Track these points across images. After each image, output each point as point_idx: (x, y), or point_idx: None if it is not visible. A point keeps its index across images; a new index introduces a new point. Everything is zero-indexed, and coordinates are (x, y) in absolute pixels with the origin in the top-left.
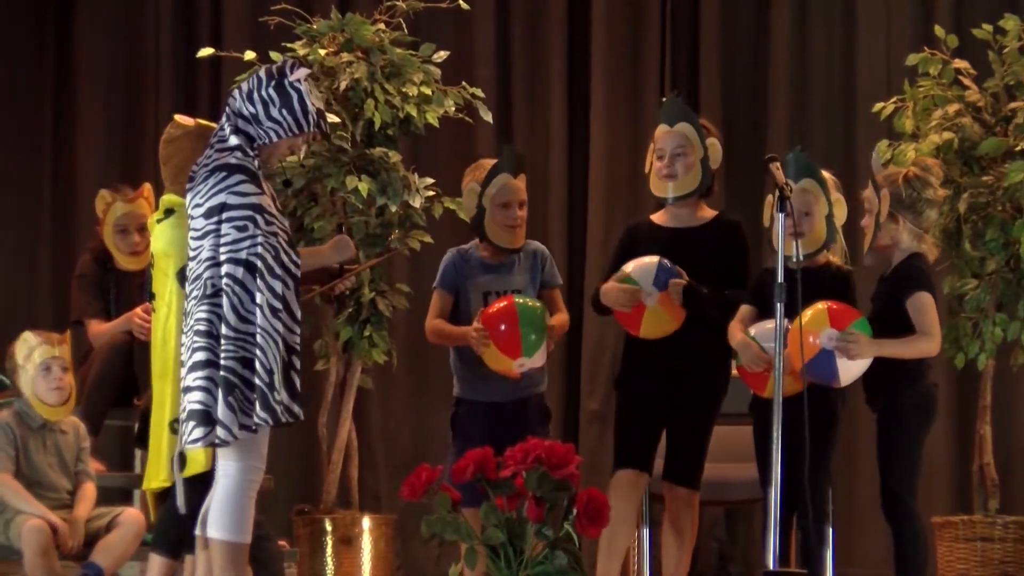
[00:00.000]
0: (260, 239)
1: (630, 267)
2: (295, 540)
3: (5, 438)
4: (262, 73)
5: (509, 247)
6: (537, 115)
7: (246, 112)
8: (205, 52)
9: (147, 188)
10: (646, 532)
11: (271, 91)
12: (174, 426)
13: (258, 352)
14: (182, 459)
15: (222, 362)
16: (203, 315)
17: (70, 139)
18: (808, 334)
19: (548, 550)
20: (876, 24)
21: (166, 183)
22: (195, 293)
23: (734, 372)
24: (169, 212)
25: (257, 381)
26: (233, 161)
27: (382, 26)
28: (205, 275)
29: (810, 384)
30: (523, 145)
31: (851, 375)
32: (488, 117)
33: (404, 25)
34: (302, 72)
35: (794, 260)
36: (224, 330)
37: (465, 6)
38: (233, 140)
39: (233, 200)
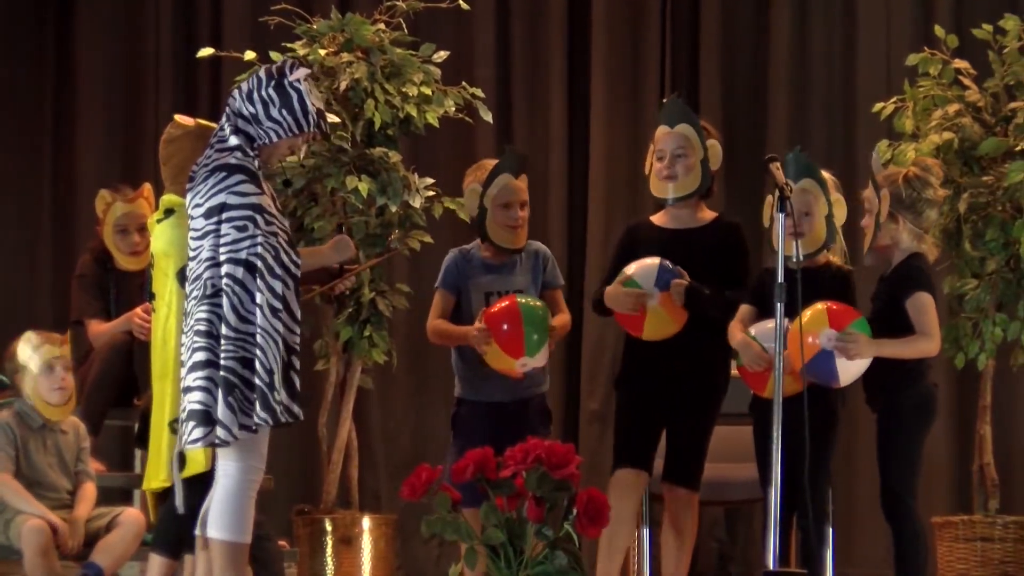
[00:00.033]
0: (260, 239)
1: (631, 269)
2: (295, 540)
3: (5, 438)
4: (262, 73)
5: (510, 247)
6: (537, 115)
7: (246, 112)
8: (205, 52)
9: (147, 188)
10: (646, 532)
11: (271, 91)
12: (174, 426)
13: (258, 352)
14: (181, 459)
15: (222, 362)
16: (203, 315)
17: (70, 139)
18: (807, 334)
19: (548, 550)
20: (876, 24)
21: (166, 183)
22: (195, 293)
23: (734, 372)
24: (169, 212)
25: (257, 381)
26: (233, 161)
27: (382, 26)
28: (205, 275)
29: (810, 384)
30: (523, 145)
31: (851, 375)
32: (488, 117)
33: (404, 25)
34: (302, 72)
35: (794, 260)
36: (224, 330)
37: (465, 6)
38: (233, 140)
39: (233, 200)
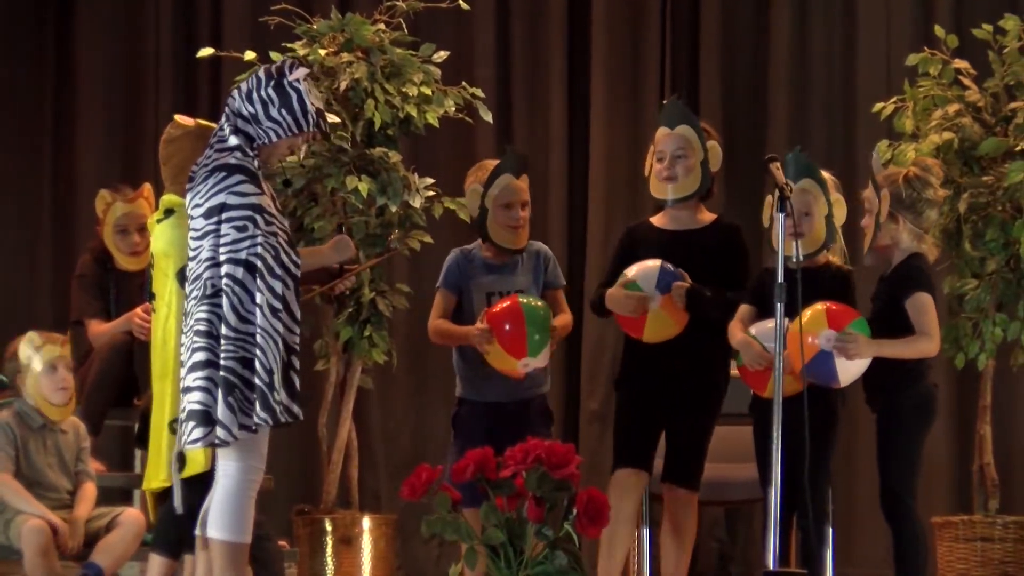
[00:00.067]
0: (260, 239)
1: (632, 272)
2: (295, 540)
3: (5, 438)
4: (261, 73)
5: (512, 248)
6: (537, 115)
7: (245, 112)
8: (205, 52)
9: (147, 188)
10: (646, 532)
11: (270, 91)
12: (174, 426)
13: (258, 352)
14: (181, 459)
15: (222, 362)
16: (203, 315)
17: (70, 139)
18: (806, 335)
19: (548, 550)
20: (876, 24)
21: (166, 183)
22: (195, 293)
23: (734, 372)
24: (169, 212)
25: (257, 381)
26: (233, 161)
27: (382, 26)
28: (205, 275)
29: (810, 384)
30: (523, 145)
31: (850, 375)
32: (488, 117)
33: (404, 25)
34: (301, 72)
35: (794, 260)
36: (224, 330)
37: (465, 6)
38: (233, 140)
39: (233, 200)
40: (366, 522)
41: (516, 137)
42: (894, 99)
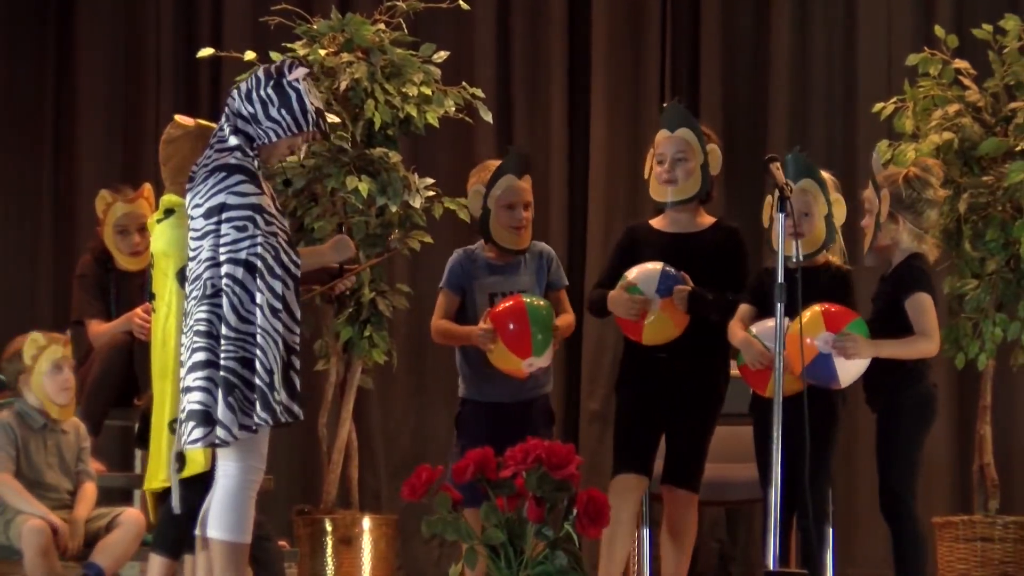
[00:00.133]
0: (260, 239)
1: (633, 274)
2: (295, 540)
3: (6, 438)
4: (261, 73)
5: (514, 248)
6: (537, 115)
7: (245, 112)
8: (205, 52)
9: (147, 188)
10: (646, 533)
11: (270, 91)
12: (174, 426)
13: (258, 352)
14: (180, 459)
15: (222, 362)
16: (203, 315)
17: (70, 139)
18: (805, 337)
19: (548, 550)
20: (876, 24)
21: (166, 183)
22: (195, 293)
23: (735, 372)
24: (169, 212)
25: (257, 381)
26: (233, 161)
27: (382, 26)
28: (205, 275)
29: (810, 384)
30: (523, 145)
31: (850, 376)
32: (488, 117)
33: (404, 25)
34: (300, 71)
35: (794, 260)
36: (224, 330)
37: (465, 6)
38: (232, 140)
39: (233, 200)
40: (366, 522)
41: (516, 137)
42: (894, 99)
